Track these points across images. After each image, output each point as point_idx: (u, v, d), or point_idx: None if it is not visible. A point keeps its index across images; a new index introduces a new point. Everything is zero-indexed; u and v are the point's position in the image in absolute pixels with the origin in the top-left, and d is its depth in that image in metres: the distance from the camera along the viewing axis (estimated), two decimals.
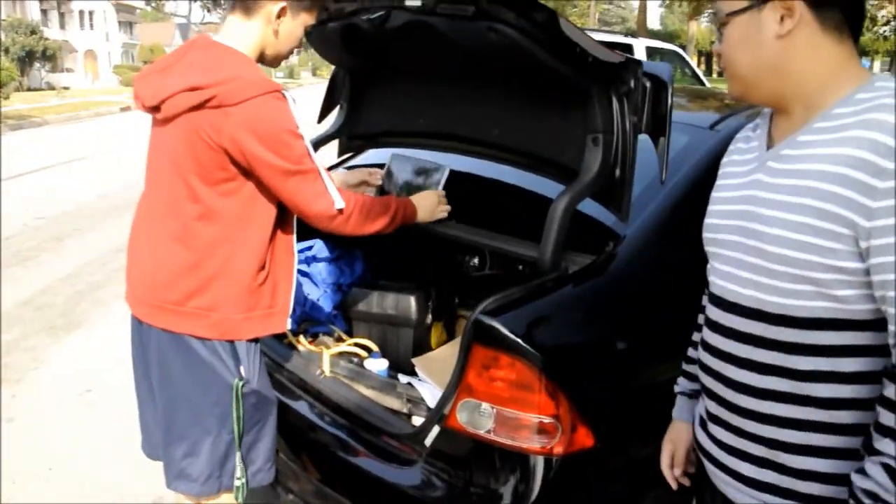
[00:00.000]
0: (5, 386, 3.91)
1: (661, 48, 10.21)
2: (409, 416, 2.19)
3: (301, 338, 2.57)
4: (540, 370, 1.73)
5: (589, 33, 1.88)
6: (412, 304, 2.42)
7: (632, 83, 1.93)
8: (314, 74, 67.23)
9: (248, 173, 1.83)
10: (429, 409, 2.15)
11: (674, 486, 1.63)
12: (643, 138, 2.00)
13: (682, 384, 1.66)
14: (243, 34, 1.89)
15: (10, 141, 14.73)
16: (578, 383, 1.81)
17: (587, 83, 1.96)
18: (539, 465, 1.77)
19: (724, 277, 1.34)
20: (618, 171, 2.01)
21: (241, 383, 1.93)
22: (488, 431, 1.80)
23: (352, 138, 2.90)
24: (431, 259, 2.86)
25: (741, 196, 1.32)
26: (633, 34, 11.51)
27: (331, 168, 3.01)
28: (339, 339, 2.60)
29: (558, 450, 1.76)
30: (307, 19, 1.97)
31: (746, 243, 1.27)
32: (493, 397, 1.79)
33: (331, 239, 2.88)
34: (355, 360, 2.44)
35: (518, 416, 1.77)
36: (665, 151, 1.95)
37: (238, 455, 1.98)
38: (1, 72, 28.68)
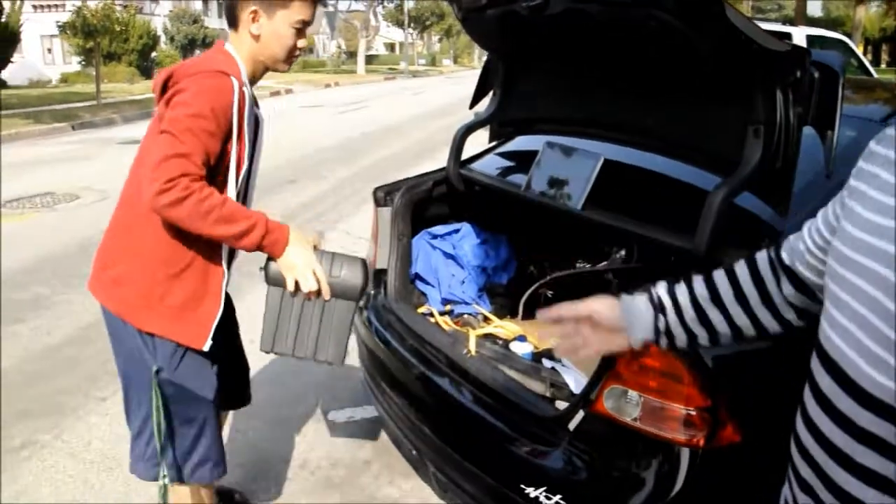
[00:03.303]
0: None
1: (824, 36, 9.63)
2: (552, 399, 2.23)
3: (447, 318, 2.66)
4: (691, 362, 1.73)
5: None
6: None
7: (798, 73, 1.87)
8: (455, 62, 67.82)
9: None
10: (572, 394, 2.19)
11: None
12: (808, 131, 1.93)
13: (660, 287, 1.29)
14: (236, 45, 1.98)
15: None
16: (728, 378, 1.79)
17: (750, 72, 1.92)
18: (684, 456, 1.77)
19: (844, 337, 0.96)
20: (779, 164, 1.96)
21: (156, 368, 1.92)
22: (634, 419, 1.81)
23: (503, 125, 2.96)
24: (580, 247, 2.87)
25: (882, 227, 0.93)
26: (791, 21, 10.90)
27: (482, 154, 3.08)
28: (485, 320, 2.66)
29: (705, 443, 1.75)
30: (289, 16, 1.95)
31: (876, 298, 0.90)
32: (641, 386, 1.80)
33: (478, 223, 2.96)
34: (500, 341, 2.50)
35: (666, 406, 1.78)
36: (832, 145, 1.88)
37: (158, 446, 1.96)
38: (166, 59, 30.98)
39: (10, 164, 10.19)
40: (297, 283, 1.91)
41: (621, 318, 1.27)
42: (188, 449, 2.03)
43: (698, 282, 1.26)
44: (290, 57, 2.04)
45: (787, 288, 1.20)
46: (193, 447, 2.04)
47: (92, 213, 7.08)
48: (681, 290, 1.27)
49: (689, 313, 1.25)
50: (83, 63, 29.90)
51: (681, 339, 1.26)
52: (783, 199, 1.96)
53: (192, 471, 2.05)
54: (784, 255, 1.22)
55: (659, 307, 1.26)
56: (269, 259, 1.92)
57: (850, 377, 0.95)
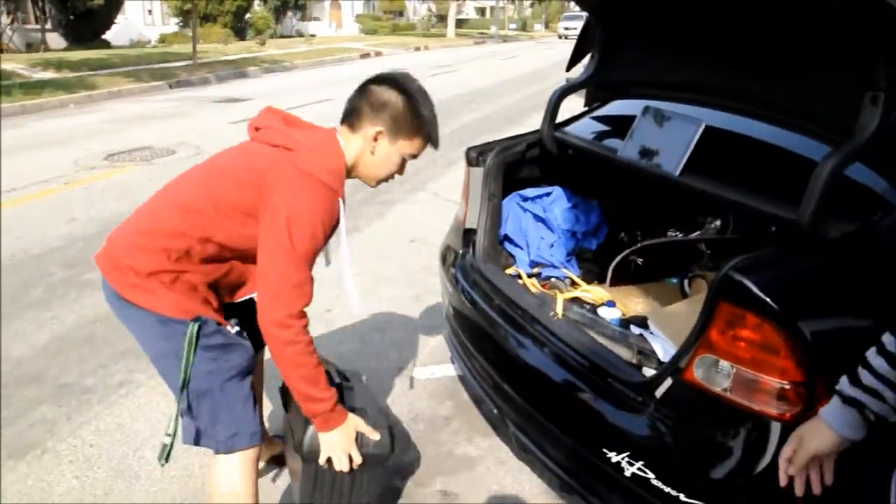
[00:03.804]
0: None
1: None
2: (638, 366, 2.20)
3: (534, 280, 2.66)
4: (787, 334, 1.68)
5: None
6: None
7: None
8: (546, 27, 66.70)
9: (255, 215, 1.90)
10: (659, 362, 2.16)
11: (783, 481, 1.46)
12: None
13: (842, 385, 1.38)
14: (347, 144, 1.99)
15: (265, 82, 16.25)
16: (827, 354, 1.72)
17: (874, 35, 1.81)
18: (774, 430, 1.72)
19: None
20: None
21: (195, 325, 1.89)
22: (725, 390, 1.78)
23: (600, 88, 2.91)
24: (673, 216, 2.81)
25: None
26: None
27: (578, 117, 3.04)
28: (573, 285, 2.65)
29: (797, 418, 1.69)
30: (406, 147, 2.02)
31: None
32: (733, 356, 1.76)
33: (570, 187, 2.93)
34: (587, 306, 2.48)
35: (759, 379, 1.73)
36: None
37: (178, 407, 1.93)
38: (259, 20, 31.60)
39: (113, 120, 10.68)
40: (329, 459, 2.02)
41: (835, 436, 1.37)
42: (238, 416, 1.98)
43: (873, 357, 1.32)
44: (386, 179, 2.11)
45: None
46: (241, 412, 1.99)
47: (186, 166, 7.26)
48: (863, 375, 1.33)
49: (885, 392, 1.30)
50: (181, 24, 30.75)
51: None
52: None
53: (248, 437, 2.00)
54: None
55: (854, 402, 1.33)
56: (307, 425, 2.01)
57: None
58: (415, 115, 1.98)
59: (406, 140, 2.00)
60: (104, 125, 10.22)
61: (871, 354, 1.33)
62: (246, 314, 2.07)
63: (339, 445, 1.99)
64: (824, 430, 1.39)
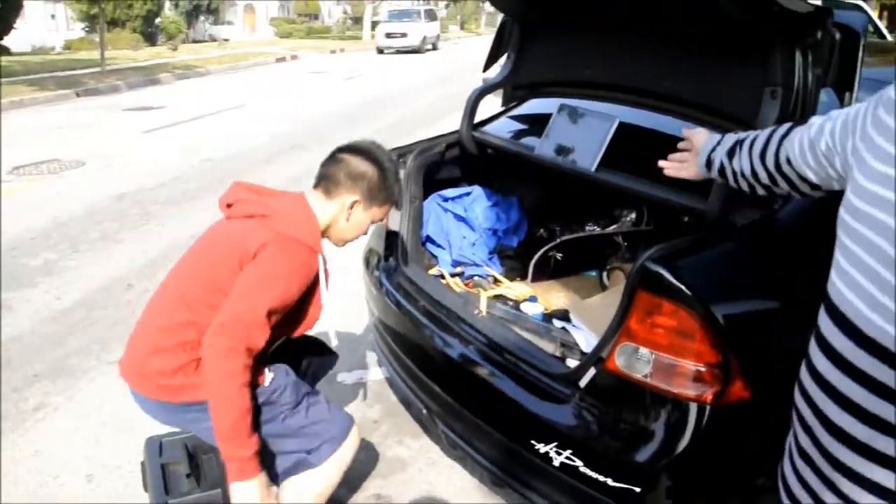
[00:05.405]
0: None
1: (840, 0, 9.48)
2: (562, 358, 2.25)
3: (458, 279, 2.68)
4: (702, 319, 1.75)
5: None
6: None
7: (819, 34, 1.86)
8: (462, 28, 67.07)
9: None
10: (582, 353, 2.21)
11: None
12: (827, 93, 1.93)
13: (722, 152, 1.68)
14: (320, 209, 2.07)
15: (177, 89, 15.81)
16: (739, 336, 1.80)
17: (770, 33, 1.91)
18: (692, 411, 1.79)
19: (847, 283, 1.05)
20: None
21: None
22: (645, 376, 1.84)
23: (516, 88, 2.95)
24: (590, 211, 2.88)
25: (887, 175, 1.00)
26: None
27: (495, 117, 3.08)
28: (495, 282, 2.68)
29: (714, 399, 1.77)
30: (377, 214, 2.16)
31: (878, 245, 0.98)
32: (652, 343, 1.83)
33: (489, 185, 2.96)
34: (511, 302, 2.51)
35: (676, 363, 1.80)
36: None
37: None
38: (171, 25, 30.80)
39: (15, 132, 10.17)
40: None
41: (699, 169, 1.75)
42: (311, 434, 2.06)
43: (755, 133, 1.57)
44: (352, 240, 2.21)
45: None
46: (311, 430, 2.06)
47: (98, 178, 7.14)
48: (740, 134, 1.63)
49: (728, 147, 1.63)
50: (87, 29, 29.67)
51: (718, 167, 1.68)
52: None
53: (327, 450, 2.06)
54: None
55: (717, 142, 1.68)
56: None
57: (850, 320, 1.03)
58: (388, 186, 2.12)
59: (378, 208, 2.14)
60: (7, 137, 9.76)
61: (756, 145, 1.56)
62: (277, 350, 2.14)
63: (253, 497, 1.92)
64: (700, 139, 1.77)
